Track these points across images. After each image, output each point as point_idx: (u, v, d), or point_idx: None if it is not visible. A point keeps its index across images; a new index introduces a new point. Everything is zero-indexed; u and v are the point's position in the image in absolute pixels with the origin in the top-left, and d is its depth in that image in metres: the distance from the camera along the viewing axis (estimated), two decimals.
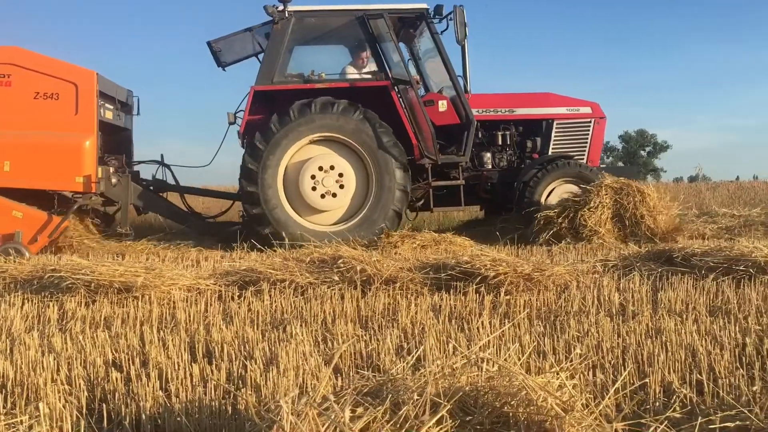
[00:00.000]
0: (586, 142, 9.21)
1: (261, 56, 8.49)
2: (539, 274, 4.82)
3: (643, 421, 1.98)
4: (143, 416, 2.56)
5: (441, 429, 1.68)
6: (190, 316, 4.13)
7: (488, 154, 8.91)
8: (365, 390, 1.95)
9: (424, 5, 8.36)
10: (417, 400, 1.83)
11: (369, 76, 8.51)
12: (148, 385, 2.76)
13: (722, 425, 2.03)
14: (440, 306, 4.30)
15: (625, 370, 2.92)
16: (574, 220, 7.69)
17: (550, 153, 9.05)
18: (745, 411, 2.07)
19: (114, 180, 7.89)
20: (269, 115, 8.00)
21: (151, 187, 8.78)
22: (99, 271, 4.80)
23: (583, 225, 7.59)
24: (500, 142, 9.01)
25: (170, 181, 9.03)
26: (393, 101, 8.13)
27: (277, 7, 8.01)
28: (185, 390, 2.79)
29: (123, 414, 2.60)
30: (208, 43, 8.54)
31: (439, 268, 4.98)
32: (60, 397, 2.66)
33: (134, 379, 2.89)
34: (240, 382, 2.91)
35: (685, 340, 3.38)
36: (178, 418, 2.50)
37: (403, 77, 8.31)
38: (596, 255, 6.54)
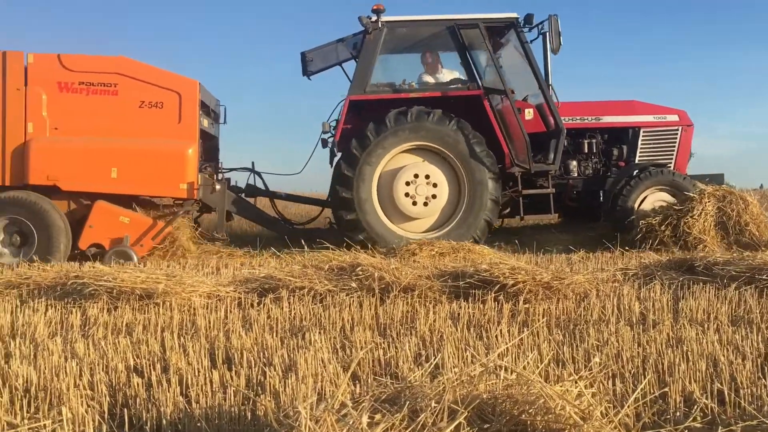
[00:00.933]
0: (674, 150, 9.20)
1: (344, 65, 8.85)
2: (558, 283, 4.79)
3: (662, 430, 1.97)
4: (164, 421, 2.59)
5: None
6: (210, 323, 4.16)
7: (574, 162, 8.96)
8: (383, 397, 1.96)
9: (514, 15, 8.46)
10: (435, 407, 1.83)
11: (459, 86, 8.60)
12: (168, 391, 2.79)
13: None
14: (458, 314, 4.30)
15: (645, 379, 2.91)
16: (677, 228, 7.67)
17: (636, 161, 9.05)
18: (767, 421, 2.05)
19: (218, 187, 8.17)
20: (359, 124, 8.14)
21: (242, 194, 8.93)
22: (121, 277, 4.86)
23: (687, 233, 7.57)
24: (586, 150, 9.05)
25: (260, 188, 9.23)
26: (485, 110, 8.23)
27: (371, 18, 8.20)
28: (205, 396, 2.82)
29: (144, 419, 2.63)
30: (302, 54, 8.81)
31: (457, 276, 4.97)
32: (82, 401, 2.70)
33: (155, 384, 2.92)
34: (259, 388, 2.93)
35: (706, 349, 3.35)
36: (198, 424, 2.52)
37: (498, 86, 8.38)
38: (616, 263, 6.50)
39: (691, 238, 7.51)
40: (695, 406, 2.63)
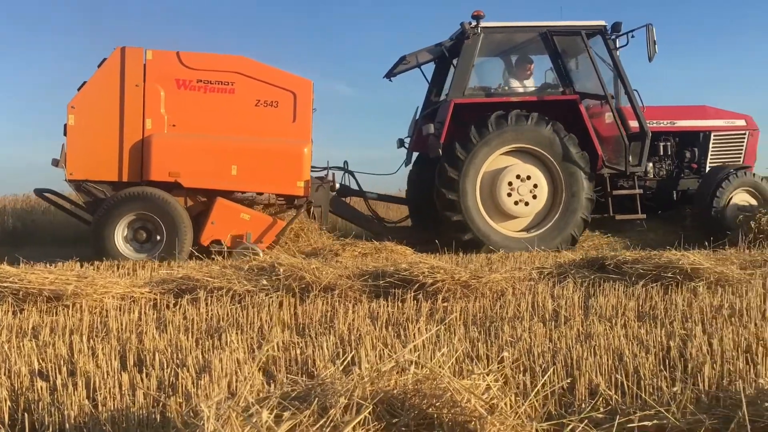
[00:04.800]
0: (741, 153, 9.69)
1: (423, 67, 9.33)
2: (476, 281, 4.89)
3: (565, 421, 2.04)
4: (68, 425, 2.50)
5: (365, 431, 1.69)
6: (122, 325, 4.04)
7: (650, 164, 9.28)
8: (293, 394, 1.95)
9: (602, 22, 8.80)
10: (344, 403, 1.84)
11: (551, 90, 8.98)
12: (74, 395, 2.69)
13: (640, 424, 2.11)
14: (378, 313, 4.32)
15: (554, 373, 3.00)
16: None
17: (708, 164, 9.53)
18: (663, 411, 2.15)
19: (337, 185, 8.63)
20: (452, 127, 8.36)
21: (335, 192, 9.05)
22: (28, 278, 4.65)
23: None
24: (661, 153, 9.41)
25: (353, 187, 9.47)
26: (580, 114, 8.53)
27: (471, 24, 8.55)
28: (113, 399, 2.73)
29: (47, 423, 2.53)
30: (403, 57, 9.09)
31: (378, 276, 5.01)
32: None
33: (60, 388, 2.81)
34: (171, 390, 2.87)
35: (613, 344, 3.48)
36: (104, 427, 2.45)
37: (597, 91, 8.72)
38: (533, 263, 6.69)
39: None
40: (600, 398, 2.74)
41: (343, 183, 9.35)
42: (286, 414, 1.80)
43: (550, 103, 8.66)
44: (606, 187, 8.84)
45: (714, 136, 9.62)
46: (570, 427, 1.90)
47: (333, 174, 8.97)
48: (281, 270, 4.99)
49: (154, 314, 4.37)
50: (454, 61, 9.07)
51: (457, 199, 8.25)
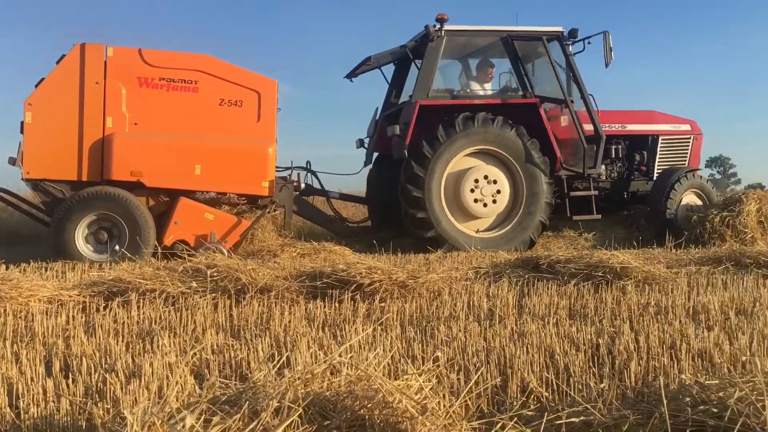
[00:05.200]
0: (687, 156, 10.20)
1: (383, 69, 9.60)
2: (413, 282, 4.92)
3: (495, 419, 2.07)
4: None
5: None
6: (48, 329, 3.89)
7: (603, 167, 9.50)
8: (224, 398, 1.92)
9: (560, 28, 9.08)
10: (276, 406, 1.82)
11: (512, 93, 9.20)
12: None
13: (568, 420, 2.16)
14: (315, 314, 4.30)
15: (487, 372, 3.04)
16: (730, 224, 8.70)
17: (656, 166, 9.96)
18: (589, 407, 2.20)
19: (302, 185, 8.68)
20: (417, 128, 8.49)
21: (297, 192, 9.06)
22: None
23: (743, 229, 8.65)
24: (613, 156, 9.78)
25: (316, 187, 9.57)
26: (539, 117, 8.75)
27: (435, 26, 8.69)
28: (37, 406, 2.63)
29: None
30: (368, 57, 9.21)
31: (315, 276, 4.98)
32: None
33: None
34: (98, 396, 2.78)
35: (545, 342, 3.56)
36: None
37: (556, 96, 8.98)
38: (471, 263, 6.77)
39: (748, 231, 8.63)
40: (531, 395, 2.80)
41: (306, 183, 9.40)
42: (215, 419, 1.77)
43: (511, 106, 8.89)
44: (563, 188, 9.13)
45: (662, 139, 10.09)
46: (499, 425, 1.93)
47: (298, 174, 9.01)
48: (216, 271, 4.91)
49: (82, 318, 4.24)
50: (417, 63, 9.19)
51: (422, 196, 8.39)
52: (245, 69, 7.79)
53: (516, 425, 2.04)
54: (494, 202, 8.66)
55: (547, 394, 2.80)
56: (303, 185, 8.96)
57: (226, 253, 7.02)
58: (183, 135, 7.47)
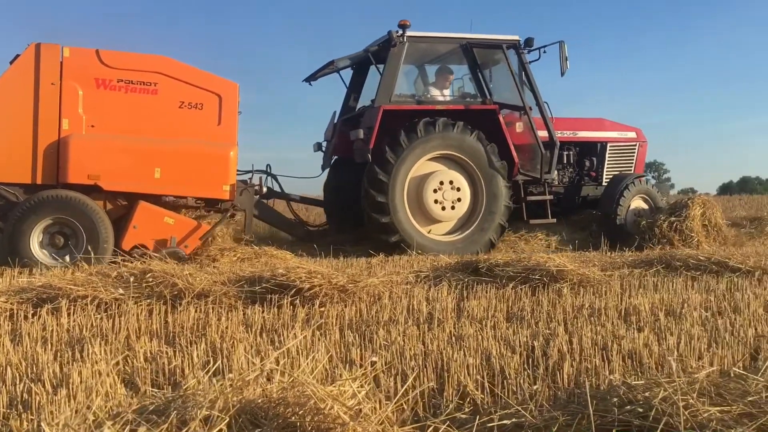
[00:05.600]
0: (633, 163, 10.61)
1: (342, 73, 9.69)
2: (353, 286, 4.91)
3: (428, 423, 2.08)
4: None
5: None
6: None
7: (555, 172, 9.80)
8: (151, 408, 1.87)
9: (515, 37, 9.31)
10: (205, 415, 1.79)
11: (470, 99, 9.40)
12: None
13: (500, 423, 2.18)
14: (253, 319, 4.24)
15: (424, 375, 3.06)
16: (678, 229, 9.04)
17: (605, 172, 10.33)
18: (521, 409, 2.24)
19: (264, 189, 8.67)
20: (379, 132, 8.57)
21: (257, 196, 9.00)
22: None
23: (689, 234, 9.00)
24: (565, 161, 10.06)
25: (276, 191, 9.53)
26: (498, 123, 8.98)
27: (397, 32, 8.81)
28: None
29: None
30: (332, 61, 9.27)
31: (254, 281, 4.92)
32: None
33: None
34: (22, 407, 2.68)
35: (482, 345, 3.59)
36: None
37: (515, 103, 9.21)
38: (412, 267, 6.81)
39: (694, 235, 8.99)
40: (467, 398, 2.82)
41: (268, 186, 9.41)
42: (141, 429, 1.72)
43: (470, 112, 9.08)
44: (520, 193, 9.38)
45: (610, 146, 10.48)
46: (431, 428, 1.94)
47: (260, 177, 9.06)
48: (152, 276, 4.80)
49: (9, 326, 4.08)
50: (379, 67, 9.27)
51: (386, 201, 8.49)
52: (206, 72, 7.74)
53: (449, 428, 2.05)
54: (454, 207, 8.84)
55: (482, 396, 2.83)
56: (265, 189, 8.98)
57: (185, 257, 7.06)
58: (142, 137, 7.37)
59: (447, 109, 9.03)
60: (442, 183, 8.80)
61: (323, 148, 10.21)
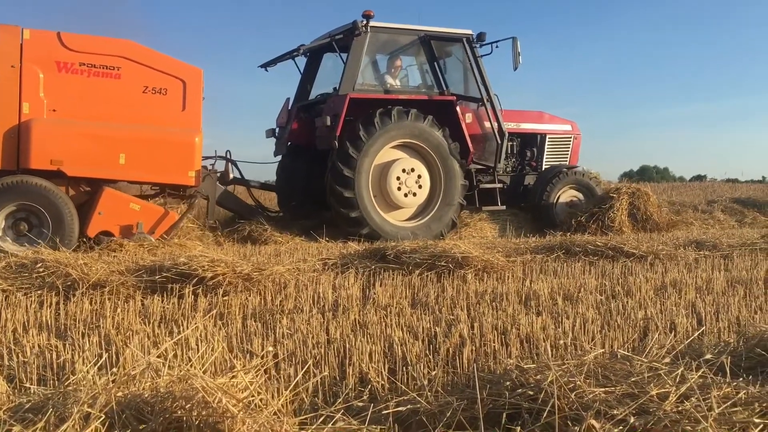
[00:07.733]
0: (568, 154, 11.10)
1: (297, 59, 9.81)
2: (258, 274, 4.84)
3: (323, 412, 2.06)
4: None
5: None
6: None
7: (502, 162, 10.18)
8: (27, 405, 1.77)
9: (469, 31, 9.65)
10: (86, 412, 1.70)
11: (426, 90, 9.69)
12: None
13: (395, 410, 2.19)
14: (151, 310, 4.11)
15: (325, 364, 3.04)
16: (600, 219, 9.51)
17: (543, 163, 10.77)
18: (416, 396, 2.25)
19: (231, 175, 8.80)
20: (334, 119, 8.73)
21: (224, 182, 9.10)
22: None
23: (610, 225, 9.44)
24: (508, 152, 10.45)
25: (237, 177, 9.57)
26: (455, 113, 9.27)
27: (362, 22, 8.94)
28: None
29: None
30: (300, 47, 9.33)
31: (154, 270, 4.76)
32: None
33: None
34: None
35: (385, 332, 3.61)
36: None
37: (474, 94, 9.56)
38: (320, 254, 6.77)
39: (615, 227, 9.42)
40: (368, 386, 2.82)
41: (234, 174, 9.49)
42: (16, 428, 1.62)
43: (426, 103, 9.34)
44: (473, 181, 9.77)
45: (548, 138, 10.98)
46: (323, 418, 1.92)
47: (226, 164, 9.11)
48: (43, 266, 4.57)
49: None
50: (342, 56, 9.30)
51: (353, 196, 8.64)
52: (170, 56, 7.58)
53: (344, 417, 2.04)
54: (418, 191, 9.11)
55: (382, 383, 2.84)
56: (231, 175, 9.04)
57: (153, 241, 7.07)
58: (106, 123, 7.19)
59: (410, 99, 9.30)
60: (404, 170, 9.05)
61: (276, 134, 10.25)
